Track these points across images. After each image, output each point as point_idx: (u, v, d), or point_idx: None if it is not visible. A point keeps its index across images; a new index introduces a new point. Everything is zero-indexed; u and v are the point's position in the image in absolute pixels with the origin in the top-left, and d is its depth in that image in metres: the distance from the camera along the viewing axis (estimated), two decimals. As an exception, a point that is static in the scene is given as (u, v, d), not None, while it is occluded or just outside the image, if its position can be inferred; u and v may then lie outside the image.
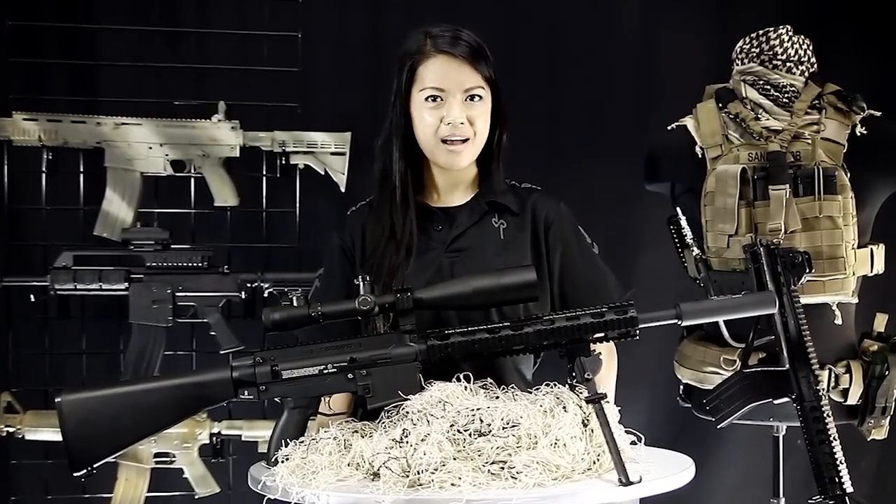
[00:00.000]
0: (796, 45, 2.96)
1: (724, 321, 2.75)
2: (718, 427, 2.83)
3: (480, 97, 2.33)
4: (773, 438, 3.08)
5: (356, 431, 2.01)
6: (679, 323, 2.04)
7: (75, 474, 2.04)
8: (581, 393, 1.98)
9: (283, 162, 3.67)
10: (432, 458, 1.82)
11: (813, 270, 2.72)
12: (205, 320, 3.50)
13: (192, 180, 3.73)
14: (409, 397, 1.96)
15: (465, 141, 2.32)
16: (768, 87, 2.95)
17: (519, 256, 2.37)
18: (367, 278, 2.06)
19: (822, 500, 2.60)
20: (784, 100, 2.94)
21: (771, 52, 2.95)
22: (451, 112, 2.30)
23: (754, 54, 2.97)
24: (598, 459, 1.92)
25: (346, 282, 2.41)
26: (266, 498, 1.93)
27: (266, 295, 3.52)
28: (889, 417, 2.90)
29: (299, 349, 2.05)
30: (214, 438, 3.57)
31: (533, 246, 2.41)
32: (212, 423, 3.56)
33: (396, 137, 2.38)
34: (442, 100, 2.31)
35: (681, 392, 3.11)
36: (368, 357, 2.03)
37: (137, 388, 2.06)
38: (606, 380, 2.41)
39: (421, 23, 2.40)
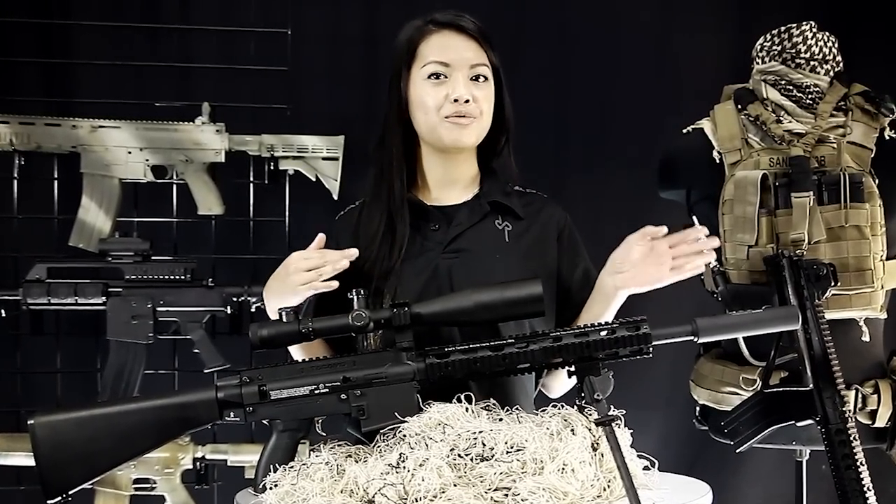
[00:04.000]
0: (820, 43, 2.97)
1: (744, 338, 2.76)
2: (737, 451, 2.84)
3: (486, 77, 2.34)
4: (795, 463, 3.08)
5: (350, 456, 2.01)
6: (695, 340, 2.04)
7: (49, 502, 2.04)
8: (590, 415, 1.98)
9: (272, 167, 3.67)
10: (431, 484, 1.82)
11: (838, 283, 2.73)
12: (188, 337, 3.49)
13: (175, 187, 3.73)
14: (406, 419, 1.96)
15: (470, 118, 2.33)
16: (791, 87, 2.96)
17: (525, 261, 2.37)
18: (362, 292, 2.06)
19: (849, 529, 2.61)
20: (807, 101, 2.95)
21: (793, 51, 2.96)
22: (457, 88, 2.30)
23: (776, 52, 2.98)
24: (608, 486, 1.92)
25: (332, 294, 2.41)
26: (253, 527, 1.93)
27: (253, 310, 3.52)
28: (921, 441, 2.91)
29: (289, 368, 2.06)
30: (198, 463, 3.56)
31: (540, 253, 2.42)
32: (195, 447, 3.55)
33: (395, 127, 2.38)
34: (446, 77, 2.32)
35: (697, 414, 3.11)
36: (363, 376, 2.03)
37: (116, 410, 2.06)
38: None
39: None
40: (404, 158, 2.40)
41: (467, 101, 2.31)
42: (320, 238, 2.28)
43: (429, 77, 2.32)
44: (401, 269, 2.33)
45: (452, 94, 2.30)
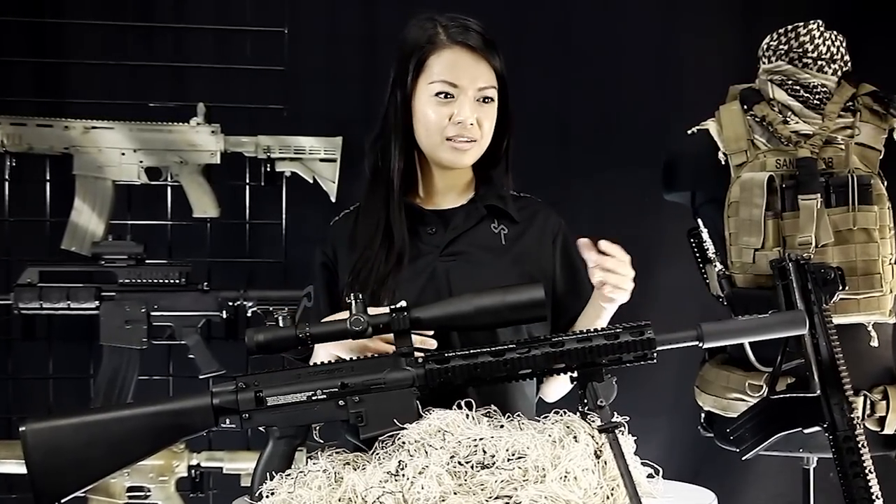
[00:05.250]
0: (828, 42, 2.97)
1: (750, 343, 2.76)
2: (743, 459, 2.84)
3: (492, 98, 2.35)
4: (802, 471, 3.07)
5: (348, 463, 2.01)
6: (700, 345, 2.04)
7: (41, 510, 2.04)
8: (593, 421, 1.98)
9: (268, 169, 3.67)
10: (431, 492, 1.82)
11: (846, 287, 2.73)
12: (182, 342, 3.49)
13: (169, 189, 3.73)
14: (405, 426, 1.96)
15: (471, 142, 2.33)
16: (797, 87, 2.96)
17: (521, 265, 2.38)
18: (360, 296, 2.05)
19: (857, 537, 2.61)
20: (815, 101, 2.95)
21: (801, 50, 2.96)
22: (463, 111, 2.31)
23: (782, 52, 2.98)
24: (611, 494, 1.92)
25: (331, 300, 2.41)
26: (249, 536, 1.93)
27: (249, 314, 3.52)
28: (930, 448, 2.91)
29: (285, 373, 2.05)
30: (193, 471, 3.56)
31: (536, 257, 2.42)
32: (190, 455, 3.56)
33: (396, 133, 2.38)
34: (453, 97, 2.32)
35: (702, 420, 3.11)
36: (361, 382, 2.03)
37: (109, 417, 2.06)
38: None
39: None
40: (404, 164, 2.40)
41: (471, 124, 2.32)
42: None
43: (436, 94, 2.33)
44: (398, 273, 2.34)
45: (457, 116, 2.31)
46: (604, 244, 2.20)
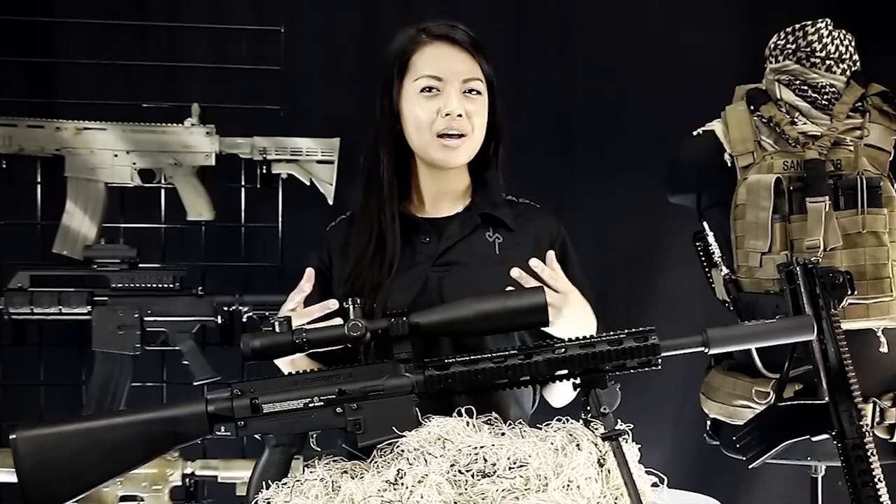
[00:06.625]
0: (837, 41, 2.97)
1: (757, 349, 2.75)
2: (750, 467, 2.83)
3: (479, 92, 2.36)
4: (810, 480, 3.08)
5: (345, 472, 2.01)
6: (706, 351, 2.04)
7: (32, 520, 2.04)
8: (597, 429, 1.98)
9: (265, 171, 3.67)
10: (430, 501, 1.82)
11: (855, 292, 2.72)
12: (176, 348, 3.49)
13: (163, 191, 3.73)
14: (404, 434, 1.96)
15: (462, 137, 2.33)
16: (805, 87, 2.96)
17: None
18: (358, 301, 2.06)
19: (866, 548, 2.61)
20: (823, 102, 2.95)
21: (809, 49, 2.96)
22: (450, 102, 2.32)
23: (790, 51, 2.98)
24: (615, 503, 1.92)
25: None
26: (245, 546, 1.93)
27: (245, 319, 3.52)
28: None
29: (282, 380, 2.06)
30: (187, 480, 3.55)
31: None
32: (184, 463, 3.55)
33: (385, 140, 2.39)
34: (438, 90, 2.33)
35: (708, 428, 3.11)
36: (359, 389, 2.03)
37: (102, 424, 2.06)
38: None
39: (418, 16, 2.42)
40: (395, 172, 2.40)
41: (459, 116, 2.32)
42: (309, 273, 2.28)
43: (421, 91, 2.34)
44: (391, 282, 2.34)
45: (444, 108, 2.32)
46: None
